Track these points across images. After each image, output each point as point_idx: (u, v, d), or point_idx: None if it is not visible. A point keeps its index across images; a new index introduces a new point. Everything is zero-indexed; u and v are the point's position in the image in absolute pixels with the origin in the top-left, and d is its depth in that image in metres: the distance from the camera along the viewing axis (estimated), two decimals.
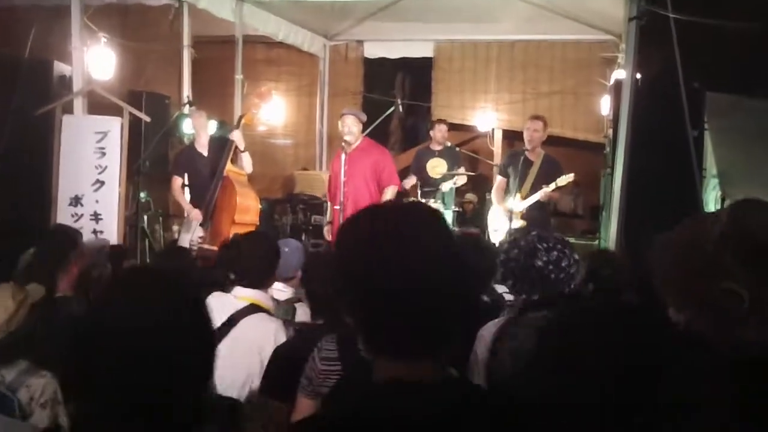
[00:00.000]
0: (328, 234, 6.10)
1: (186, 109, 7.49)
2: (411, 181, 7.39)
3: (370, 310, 0.99)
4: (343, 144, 5.76)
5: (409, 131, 10.99)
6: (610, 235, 5.55)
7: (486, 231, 6.39)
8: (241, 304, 2.80)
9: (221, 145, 5.99)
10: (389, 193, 5.75)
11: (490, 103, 9.06)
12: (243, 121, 5.99)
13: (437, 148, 7.55)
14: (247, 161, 5.94)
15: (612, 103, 6.69)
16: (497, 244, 5.65)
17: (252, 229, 5.80)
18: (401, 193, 6.81)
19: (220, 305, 2.74)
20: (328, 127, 9.63)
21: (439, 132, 7.53)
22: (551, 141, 6.56)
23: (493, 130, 9.09)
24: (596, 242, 6.86)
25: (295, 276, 3.35)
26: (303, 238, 8.40)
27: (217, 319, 2.45)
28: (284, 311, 3.13)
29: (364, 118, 5.95)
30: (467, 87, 9.20)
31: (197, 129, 6.14)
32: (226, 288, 2.94)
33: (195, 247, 5.49)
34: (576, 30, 7.94)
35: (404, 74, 10.73)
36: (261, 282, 2.89)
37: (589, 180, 7.81)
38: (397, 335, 0.99)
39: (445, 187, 7.26)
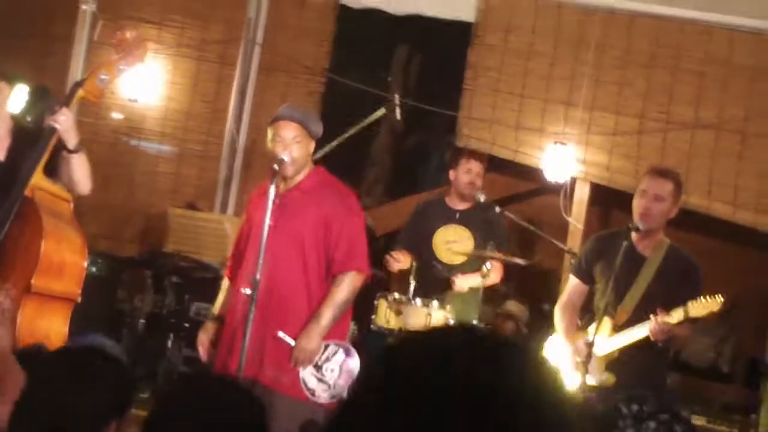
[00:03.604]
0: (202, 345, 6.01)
1: None
2: (400, 260, 7.38)
3: None
4: (274, 168, 5.72)
5: (409, 160, 10.99)
6: None
7: None
8: None
9: (32, 137, 5.93)
10: (344, 287, 5.72)
11: (575, 127, 9.09)
12: (80, 92, 5.93)
13: (460, 206, 7.62)
14: (80, 171, 5.87)
15: None
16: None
17: (63, 307, 5.71)
18: (370, 286, 6.73)
19: None
20: (250, 132, 9.64)
21: (466, 175, 7.59)
22: (686, 221, 6.54)
23: (572, 181, 9.10)
24: None
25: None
26: (169, 343, 8.27)
27: None
28: None
29: (319, 129, 5.94)
30: (533, 90, 9.25)
31: None
32: None
33: None
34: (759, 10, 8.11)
35: (413, 49, 10.80)
36: None
37: (754, 309, 7.78)
38: None
39: (462, 284, 7.27)
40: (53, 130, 5.76)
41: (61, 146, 5.82)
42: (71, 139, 5.81)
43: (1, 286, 5.48)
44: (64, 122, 5.78)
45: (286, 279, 5.69)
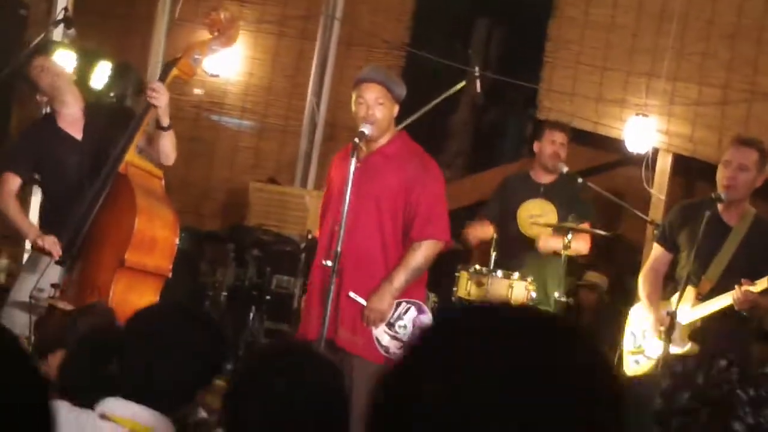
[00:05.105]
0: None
1: (59, 34, 7.57)
2: (482, 229, 7.46)
3: None
4: (355, 141, 5.64)
5: (489, 134, 11.02)
6: None
7: (618, 351, 6.33)
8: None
9: (111, 113, 6.20)
10: (419, 253, 5.69)
11: (657, 99, 9.08)
12: (174, 71, 6.06)
13: (544, 179, 7.64)
14: (170, 146, 6.07)
15: None
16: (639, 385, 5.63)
17: (155, 282, 5.90)
18: (451, 257, 6.76)
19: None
20: (330, 106, 9.71)
21: (550, 146, 7.61)
22: None
23: (654, 152, 9.10)
24: None
25: None
26: (251, 316, 8.42)
27: None
28: None
29: (403, 91, 5.87)
30: (615, 62, 9.25)
31: (56, 87, 6.18)
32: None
33: (41, 302, 5.52)
34: None
35: (493, 22, 10.82)
36: (169, 402, 3.10)
37: None
38: None
39: (547, 244, 7.36)
40: (151, 108, 5.92)
41: (157, 124, 6.00)
42: (165, 117, 5.97)
43: None
44: (163, 100, 5.93)
45: (363, 243, 5.66)
